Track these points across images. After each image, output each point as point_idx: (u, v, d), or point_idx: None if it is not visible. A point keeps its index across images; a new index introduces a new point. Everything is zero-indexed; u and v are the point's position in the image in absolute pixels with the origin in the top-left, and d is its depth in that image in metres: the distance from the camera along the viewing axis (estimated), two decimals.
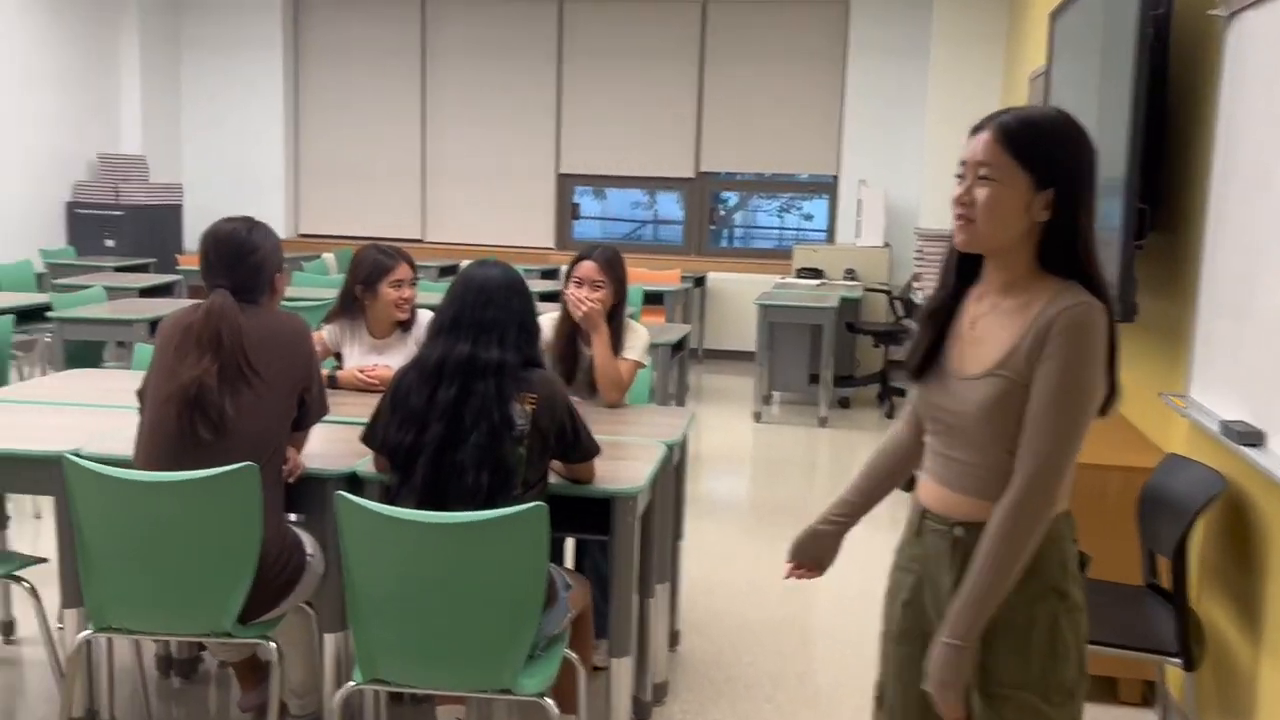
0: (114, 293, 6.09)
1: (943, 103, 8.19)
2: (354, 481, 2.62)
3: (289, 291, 6.60)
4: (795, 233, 9.80)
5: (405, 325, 3.59)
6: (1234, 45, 2.75)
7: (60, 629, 3.21)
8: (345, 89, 9.91)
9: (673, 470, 3.12)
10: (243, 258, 2.59)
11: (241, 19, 9.79)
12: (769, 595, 4.02)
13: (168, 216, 9.24)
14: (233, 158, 9.96)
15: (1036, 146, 1.60)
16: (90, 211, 8.85)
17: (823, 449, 6.54)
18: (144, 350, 3.82)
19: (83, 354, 5.27)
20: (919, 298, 5.52)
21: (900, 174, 8.75)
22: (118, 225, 8.81)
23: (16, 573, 2.78)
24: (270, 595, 2.49)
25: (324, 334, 3.61)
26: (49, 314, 5.19)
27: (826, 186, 9.30)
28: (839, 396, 7.48)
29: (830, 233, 9.30)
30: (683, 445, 3.22)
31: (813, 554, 2.00)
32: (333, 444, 2.78)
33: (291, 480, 2.58)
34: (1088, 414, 1.59)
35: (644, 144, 9.45)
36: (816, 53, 9.10)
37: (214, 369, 2.43)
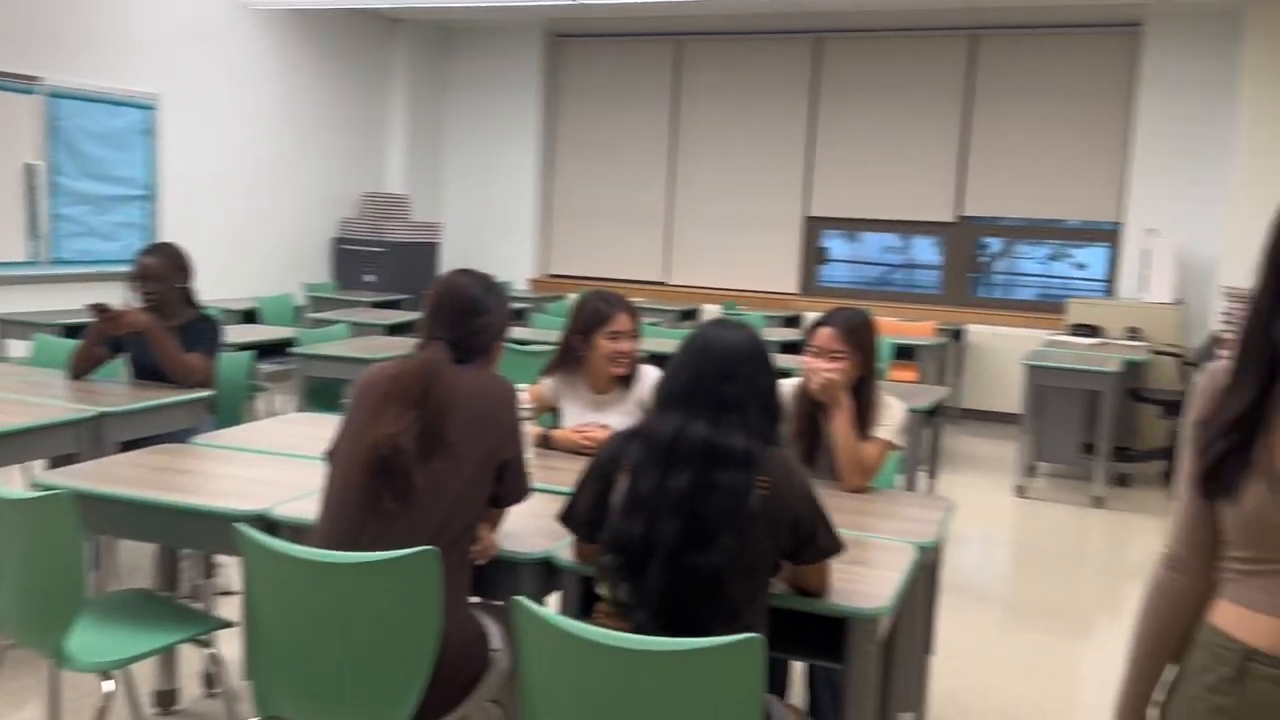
0: (362, 329, 6.17)
1: (1254, 142, 7.17)
2: (549, 569, 2.29)
3: (529, 334, 6.57)
4: (1063, 283, 8.90)
5: (626, 381, 3.28)
6: None
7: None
8: (597, 130, 9.91)
9: (925, 575, 2.62)
10: (471, 315, 2.35)
11: (502, 61, 9.99)
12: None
13: (425, 254, 9.49)
14: (488, 198, 10.15)
15: None
16: (353, 248, 9.21)
17: (1096, 534, 5.74)
18: None
19: (326, 391, 5.31)
20: None
21: (1197, 223, 7.75)
22: (378, 261, 9.11)
23: (201, 636, 2.61)
24: (451, 693, 2.20)
25: (542, 386, 3.35)
26: (290, 349, 5.26)
27: (1107, 234, 8.39)
28: (1116, 472, 6.59)
29: (1110, 285, 8.38)
30: (939, 546, 2.71)
31: None
32: (534, 518, 2.47)
33: (482, 562, 2.29)
34: None
35: (899, 186, 8.87)
36: (1099, 87, 8.24)
37: (413, 429, 2.18)
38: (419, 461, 2.15)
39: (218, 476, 2.84)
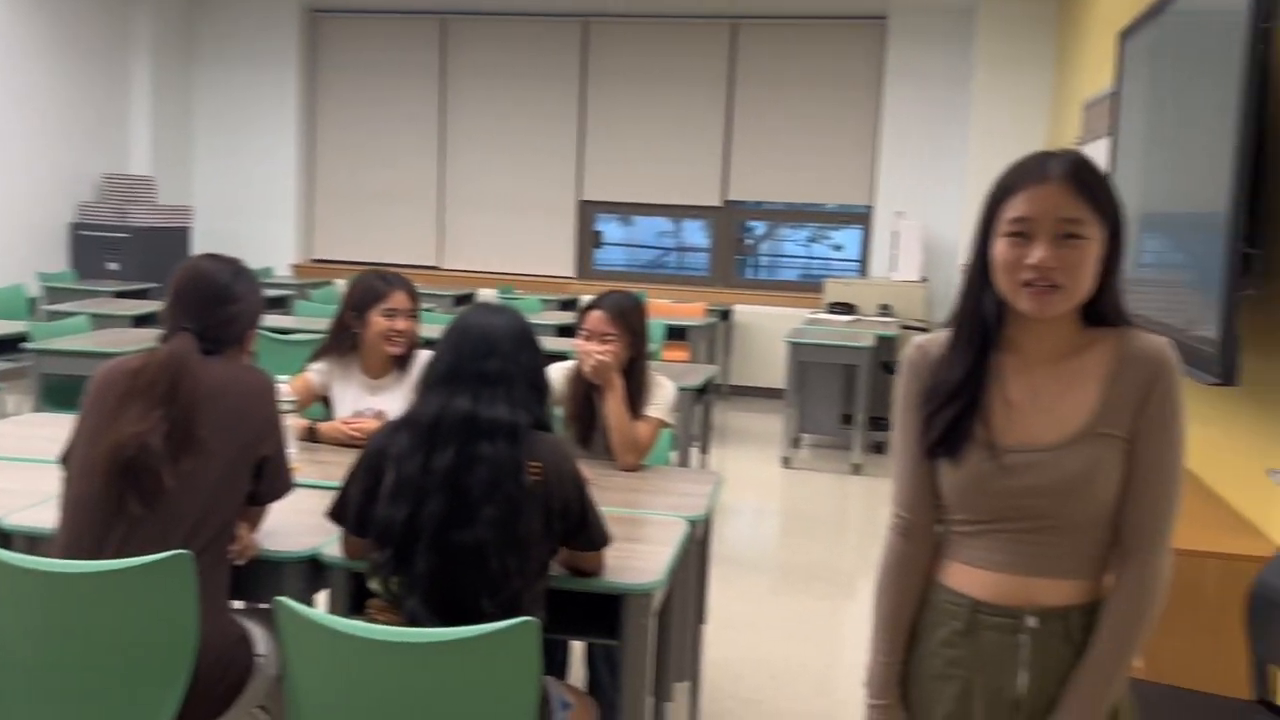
0: (104, 321, 5.72)
1: (986, 131, 7.76)
2: (316, 567, 2.20)
3: (292, 322, 6.29)
4: (823, 264, 9.37)
5: (402, 363, 3.19)
6: None
7: None
8: (361, 110, 9.58)
9: (696, 547, 2.69)
10: (219, 303, 2.21)
11: (256, 38, 9.48)
12: (804, 681, 3.56)
13: (175, 240, 8.91)
14: (245, 179, 9.62)
15: (1105, 194, 1.49)
16: (94, 234, 8.54)
17: (855, 499, 6.08)
18: None
19: (65, 389, 4.89)
20: None
21: (939, 205, 8.31)
22: (121, 248, 8.48)
23: None
24: (212, 703, 2.08)
25: (310, 375, 3.21)
26: (23, 345, 4.82)
27: (860, 217, 8.87)
28: (873, 440, 7.01)
29: (863, 265, 8.87)
30: (708, 519, 2.79)
31: None
32: (299, 516, 2.37)
33: (241, 562, 2.17)
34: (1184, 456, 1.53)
35: (670, 170, 9.06)
36: (851, 78, 8.70)
37: (161, 428, 2.03)
38: (168, 461, 2.02)
39: None
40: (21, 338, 4.91)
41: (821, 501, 5.99)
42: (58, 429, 3.01)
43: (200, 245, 9.07)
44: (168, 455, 2.02)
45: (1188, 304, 3.06)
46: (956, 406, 1.53)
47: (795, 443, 6.87)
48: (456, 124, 9.42)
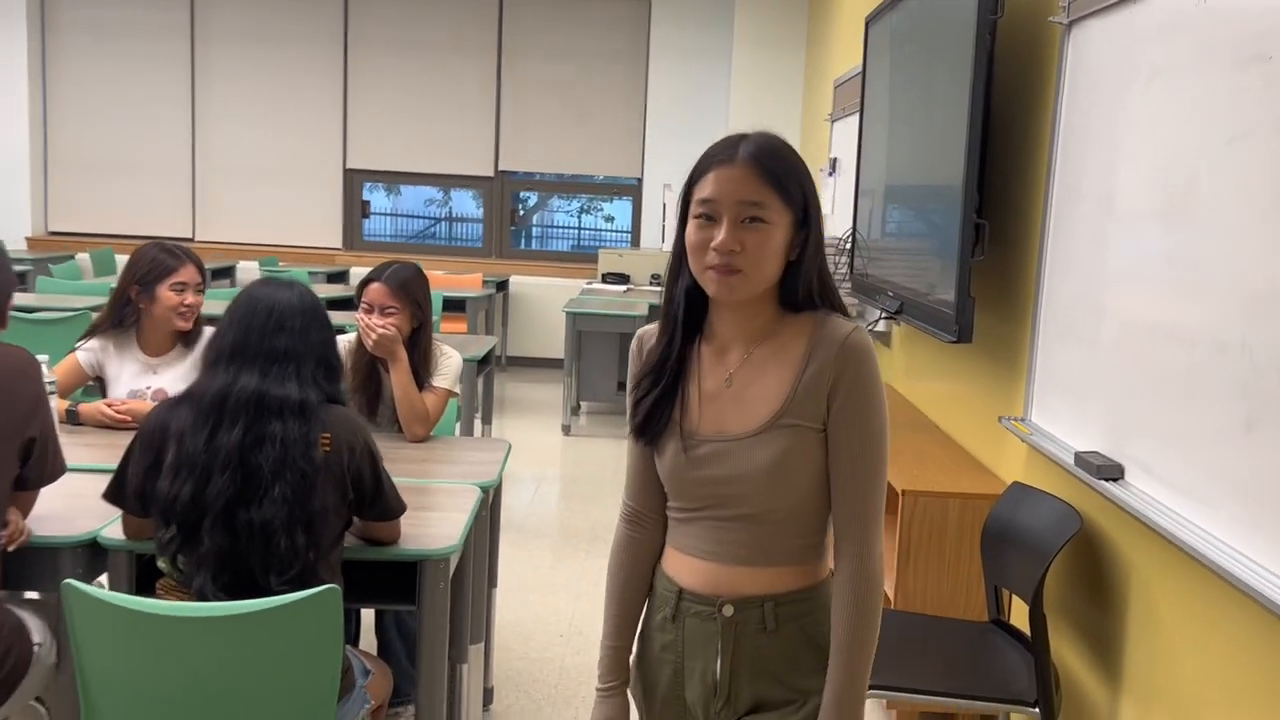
0: None
1: (746, 108, 8.11)
2: (96, 550, 2.13)
3: (33, 300, 5.84)
4: (593, 234, 9.55)
5: (188, 340, 3.07)
6: (1074, 55, 2.64)
7: None
8: (103, 72, 8.94)
9: (487, 513, 2.76)
10: None
11: None
12: (590, 637, 3.71)
13: None
14: None
15: (793, 178, 1.46)
16: None
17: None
18: None
19: None
20: None
21: None
22: None
23: None
24: None
25: (79, 355, 3.03)
26: None
27: (630, 189, 9.09)
28: None
29: (634, 236, 9.10)
30: (499, 485, 2.86)
31: None
32: (72, 500, 2.27)
33: (11, 549, 2.07)
34: (888, 442, 1.50)
35: (439, 140, 8.97)
36: (619, 54, 8.87)
37: None
38: None
39: None
40: None
41: (600, 466, 6.16)
42: None
43: None
44: None
45: (929, 270, 3.37)
46: (655, 394, 1.52)
47: (575, 410, 7.02)
48: (208, 89, 8.95)
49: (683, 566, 1.55)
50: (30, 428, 2.06)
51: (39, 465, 2.10)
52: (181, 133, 8.98)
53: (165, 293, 2.99)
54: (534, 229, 9.81)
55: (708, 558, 1.51)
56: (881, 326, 4.60)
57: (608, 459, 6.28)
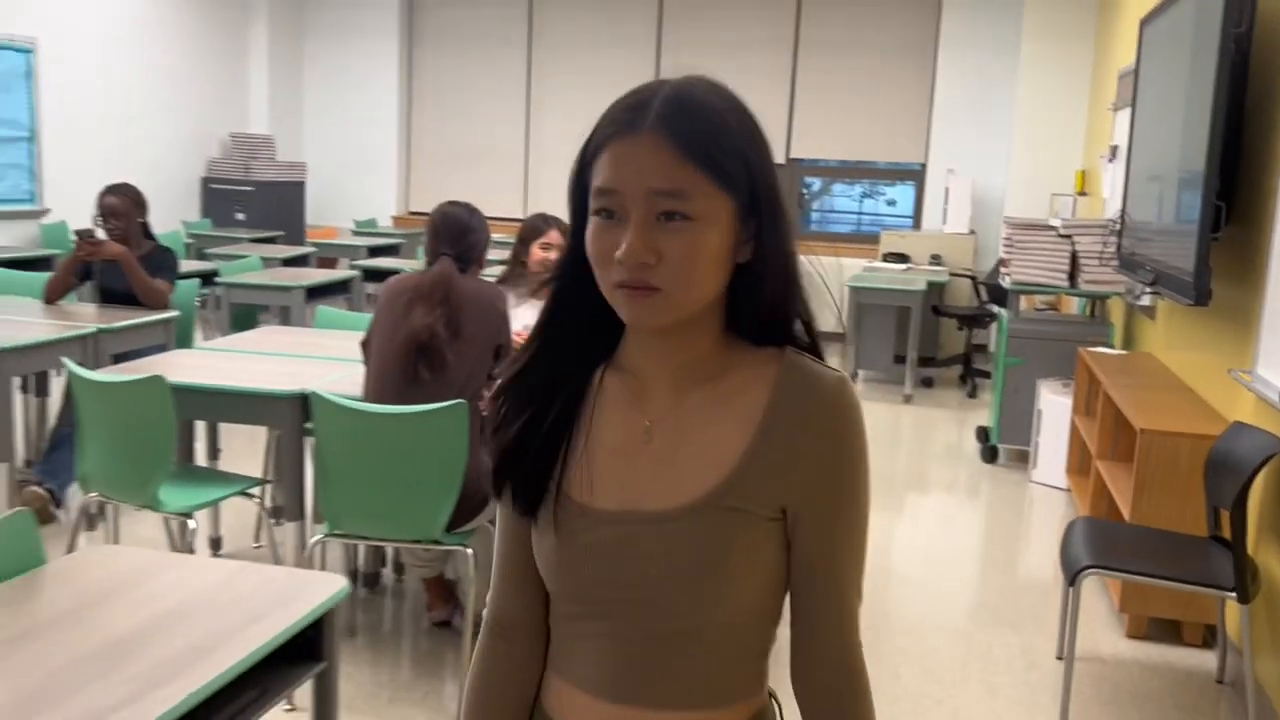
0: (269, 263, 6.72)
1: (1033, 96, 8.48)
2: None
3: (417, 264, 7.24)
4: (874, 218, 10.16)
5: None
6: None
7: (258, 547, 3.86)
8: (455, 74, 10.49)
9: None
10: (464, 235, 3.12)
11: (360, 6, 10.41)
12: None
13: (292, 193, 9.91)
14: (349, 139, 10.61)
15: (728, 146, 0.99)
16: (223, 187, 9.56)
17: (907, 424, 6.95)
18: (326, 312, 4.42)
19: (242, 317, 5.90)
20: (1006, 282, 5.90)
21: (987, 162, 9.07)
22: (248, 200, 9.49)
23: (250, 490, 3.35)
24: (469, 510, 3.03)
25: None
26: (216, 279, 5.82)
27: (913, 174, 9.64)
28: (922, 376, 7.86)
29: (916, 219, 9.65)
30: None
31: None
32: None
33: (486, 414, 3.11)
34: (868, 520, 1.06)
35: None
36: (907, 46, 9.44)
37: (442, 320, 2.97)
38: (448, 343, 2.96)
39: (253, 371, 3.51)
40: (214, 273, 5.91)
41: (876, 426, 6.87)
42: (291, 336, 4.07)
43: (312, 199, 10.09)
44: (448, 339, 2.96)
45: (1177, 245, 3.89)
46: (535, 439, 1.06)
47: (853, 378, 7.74)
48: (541, 87, 10.30)
49: (571, 706, 1.08)
50: (501, 336, 3.09)
51: (505, 362, 3.13)
52: (518, 126, 10.39)
53: (535, 249, 3.99)
54: (813, 213, 10.55)
55: (605, 694, 1.04)
56: (1146, 300, 5.07)
57: (883, 419, 6.96)
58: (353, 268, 6.81)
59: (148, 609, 1.73)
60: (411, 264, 7.22)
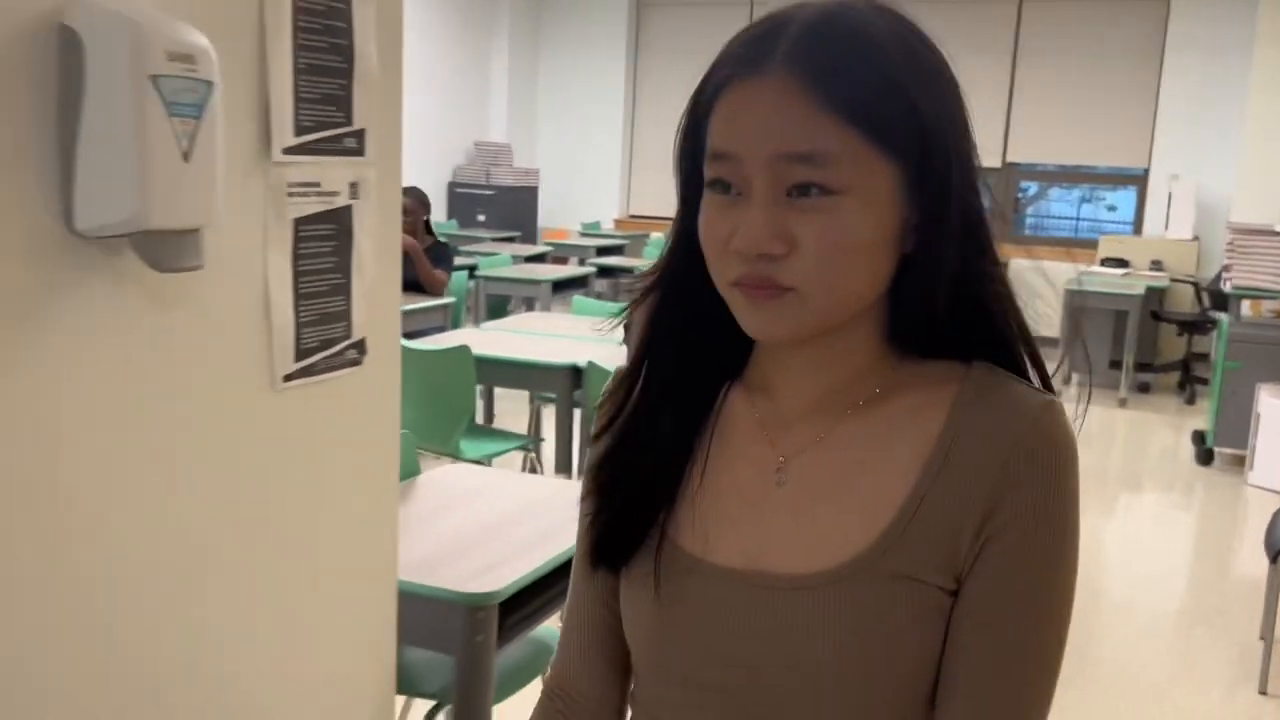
0: (517, 260, 7.48)
1: (1266, 101, 8.29)
2: None
3: (638, 263, 7.84)
4: (1093, 223, 10.07)
5: None
6: None
7: None
8: (677, 83, 10.93)
9: None
10: None
11: (591, 19, 11.17)
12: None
13: (527, 197, 10.74)
14: (579, 147, 11.38)
15: (890, 97, 0.76)
16: (467, 191, 10.49)
17: (1122, 428, 7.02)
18: (581, 302, 5.03)
19: (495, 306, 6.64)
20: (1228, 286, 5.93)
21: (1213, 166, 8.90)
22: (488, 203, 10.38)
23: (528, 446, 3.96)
24: None
25: None
26: (475, 273, 6.58)
27: (1135, 179, 9.54)
28: (1139, 381, 7.85)
29: (1137, 224, 9.55)
30: None
31: None
32: None
33: None
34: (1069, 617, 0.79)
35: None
36: (1131, 49, 9.36)
37: None
38: None
39: (527, 348, 4.10)
40: (473, 267, 6.67)
41: (1092, 429, 6.95)
42: (553, 319, 4.67)
43: (544, 204, 10.90)
44: None
45: None
46: (625, 486, 0.86)
47: (1065, 381, 7.78)
48: None
49: None
50: None
51: None
52: None
53: None
54: (1028, 218, 10.54)
55: None
56: None
57: (1099, 423, 7.04)
58: (583, 265, 7.48)
59: (500, 507, 2.28)
60: (637, 263, 7.81)
